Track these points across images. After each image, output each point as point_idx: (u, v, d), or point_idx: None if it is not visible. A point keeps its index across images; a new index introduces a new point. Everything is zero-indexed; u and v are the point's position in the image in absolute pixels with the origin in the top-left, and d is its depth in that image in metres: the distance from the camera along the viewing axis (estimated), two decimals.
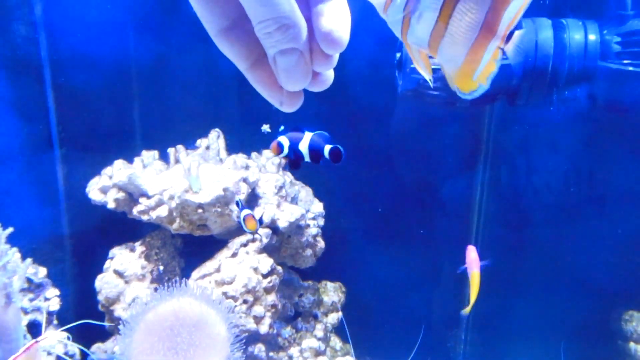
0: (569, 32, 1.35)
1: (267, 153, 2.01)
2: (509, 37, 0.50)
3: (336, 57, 0.45)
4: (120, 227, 1.90)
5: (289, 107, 0.47)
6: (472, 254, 1.46)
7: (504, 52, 0.51)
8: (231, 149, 1.99)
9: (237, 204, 1.48)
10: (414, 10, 0.51)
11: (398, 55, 1.56)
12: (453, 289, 2.11)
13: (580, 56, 1.34)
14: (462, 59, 0.52)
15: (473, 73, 0.53)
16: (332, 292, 2.06)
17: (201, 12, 0.44)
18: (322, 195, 2.02)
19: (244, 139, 2.04)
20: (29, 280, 1.65)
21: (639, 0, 1.38)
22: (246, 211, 1.37)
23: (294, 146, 1.15)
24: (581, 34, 1.35)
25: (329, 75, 0.47)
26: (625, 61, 1.33)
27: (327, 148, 1.14)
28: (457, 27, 0.50)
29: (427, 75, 0.55)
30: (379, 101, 1.95)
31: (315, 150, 1.13)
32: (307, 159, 1.14)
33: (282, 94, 0.46)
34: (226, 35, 0.45)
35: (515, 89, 1.39)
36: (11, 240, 1.66)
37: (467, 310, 1.50)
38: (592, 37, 1.35)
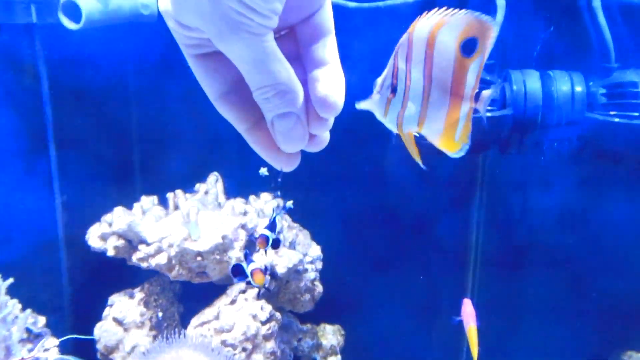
0: (557, 84, 1.40)
1: (264, 196, 2.03)
2: (477, 97, 0.54)
3: (331, 120, 0.47)
4: (119, 272, 1.91)
5: (287, 168, 0.49)
6: (467, 307, 1.46)
7: (475, 110, 0.55)
8: (229, 191, 2.01)
9: (243, 260, 1.52)
10: (407, 105, 0.56)
11: None
12: (452, 332, 2.10)
13: (567, 107, 1.38)
14: (442, 127, 0.57)
15: (454, 136, 0.58)
16: (330, 335, 2.06)
17: (201, 77, 0.46)
18: (320, 237, 2.03)
19: (242, 182, 2.07)
20: (28, 330, 1.65)
21: (622, 53, 1.43)
22: (253, 265, 1.39)
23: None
24: (568, 86, 1.39)
25: (325, 136, 0.48)
26: (611, 112, 1.38)
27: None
28: (434, 104, 0.55)
29: (420, 161, 0.59)
30: (374, 146, 1.99)
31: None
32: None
33: (281, 155, 0.48)
34: (225, 99, 0.47)
35: (507, 139, 1.43)
36: (10, 287, 1.67)
37: None
38: (578, 88, 1.40)
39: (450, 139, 0.57)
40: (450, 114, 0.55)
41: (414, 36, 0.51)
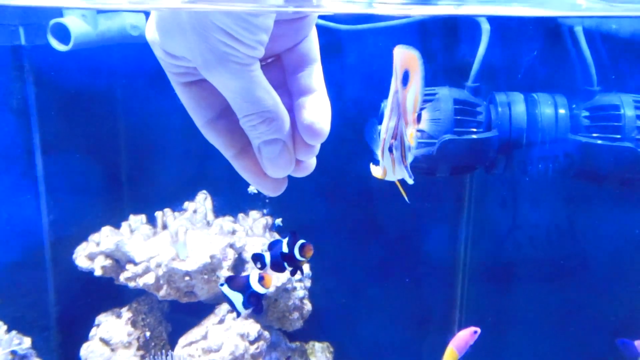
0: (540, 107, 1.42)
1: (253, 214, 2.04)
2: (420, 118, 0.57)
3: (318, 146, 0.47)
4: (107, 291, 1.89)
5: (273, 193, 0.50)
6: (464, 332, 1.46)
7: (422, 131, 0.58)
8: (218, 209, 2.01)
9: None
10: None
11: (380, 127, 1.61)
12: (440, 349, 2.10)
13: (551, 129, 1.41)
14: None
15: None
16: (319, 353, 2.05)
17: (188, 104, 0.46)
18: None
19: (231, 199, 2.06)
20: (13, 352, 1.63)
21: (604, 77, 1.46)
22: (255, 271, 1.38)
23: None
24: (552, 109, 1.42)
25: (312, 162, 0.48)
26: (594, 134, 1.40)
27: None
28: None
29: (405, 195, 0.61)
30: (363, 163, 2.00)
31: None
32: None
33: (268, 181, 0.48)
34: (213, 126, 0.46)
35: (493, 160, 1.44)
36: None
37: None
38: (562, 111, 1.42)
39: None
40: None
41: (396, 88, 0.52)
